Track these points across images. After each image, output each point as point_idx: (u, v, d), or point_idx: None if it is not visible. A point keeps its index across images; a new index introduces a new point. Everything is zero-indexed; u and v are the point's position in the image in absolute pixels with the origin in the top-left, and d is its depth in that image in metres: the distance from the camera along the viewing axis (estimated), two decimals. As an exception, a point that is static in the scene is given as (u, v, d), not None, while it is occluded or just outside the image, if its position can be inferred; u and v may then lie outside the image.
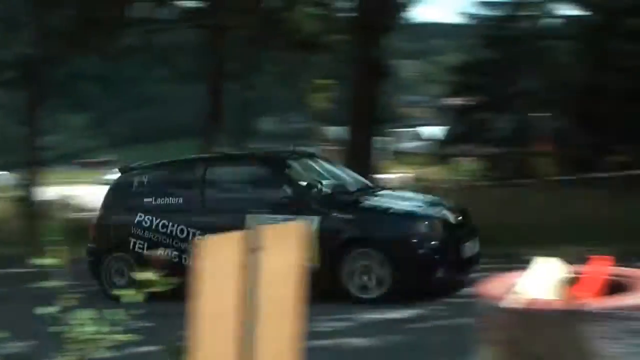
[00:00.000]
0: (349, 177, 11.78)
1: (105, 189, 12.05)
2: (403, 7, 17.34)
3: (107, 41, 19.57)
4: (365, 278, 9.83)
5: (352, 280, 9.86)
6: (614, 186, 15.73)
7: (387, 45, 16.42)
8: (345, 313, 9.33)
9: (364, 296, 9.80)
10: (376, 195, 10.84)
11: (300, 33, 18.58)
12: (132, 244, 11.02)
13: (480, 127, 24.23)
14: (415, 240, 9.83)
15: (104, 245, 11.33)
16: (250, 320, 3.56)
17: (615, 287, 3.78)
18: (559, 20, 24.82)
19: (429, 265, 9.80)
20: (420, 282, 9.83)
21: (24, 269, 8.28)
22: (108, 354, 4.39)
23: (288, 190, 10.51)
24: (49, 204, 20.00)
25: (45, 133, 22.86)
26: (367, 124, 15.83)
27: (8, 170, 29.79)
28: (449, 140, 26.16)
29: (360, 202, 10.49)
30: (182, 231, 10.79)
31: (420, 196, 11.70)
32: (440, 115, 33.33)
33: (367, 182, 12.05)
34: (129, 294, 4.30)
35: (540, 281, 3.75)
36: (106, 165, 46.32)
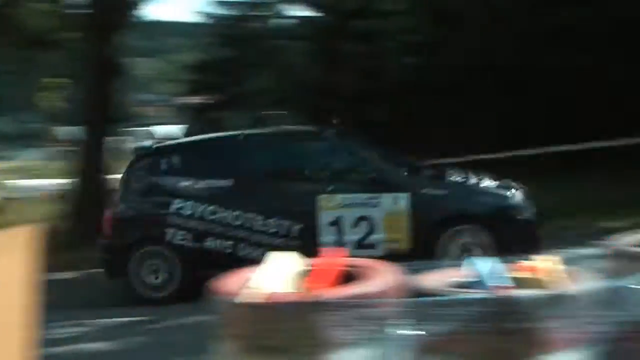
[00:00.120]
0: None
1: None
2: (136, 4, 17.07)
3: None
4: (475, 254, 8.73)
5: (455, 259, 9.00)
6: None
7: (120, 44, 16.11)
8: (104, 317, 9.08)
9: None
10: (441, 172, 10.09)
11: (28, 30, 17.82)
12: (169, 235, 9.57)
13: (217, 126, 24.39)
14: (516, 212, 9.25)
15: (128, 239, 9.70)
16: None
17: (348, 277, 3.93)
18: (293, 21, 25.46)
19: (532, 235, 9.07)
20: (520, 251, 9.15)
21: None
22: None
23: (370, 167, 9.48)
24: None
25: None
26: (100, 123, 15.46)
27: None
28: (187, 138, 26.11)
29: (445, 178, 9.75)
30: (238, 217, 9.49)
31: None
32: (177, 114, 33.20)
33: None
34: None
35: (275, 275, 3.82)
36: None
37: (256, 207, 9.42)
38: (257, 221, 9.40)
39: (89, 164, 14.99)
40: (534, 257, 4.15)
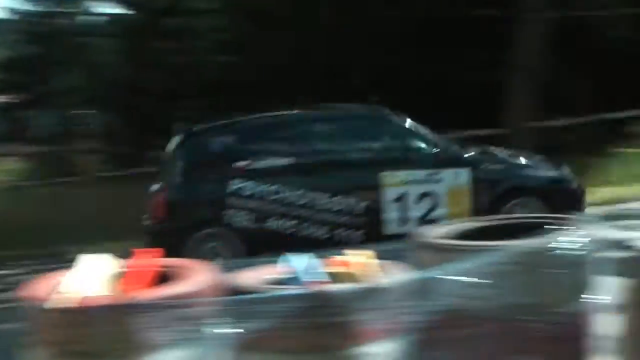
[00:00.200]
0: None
1: None
2: None
3: None
4: None
5: None
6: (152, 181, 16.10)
7: None
8: None
9: None
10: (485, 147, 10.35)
11: None
12: (229, 217, 9.24)
13: (24, 126, 23.53)
14: (567, 183, 9.72)
15: (183, 222, 9.25)
16: None
17: (164, 277, 3.87)
18: (103, 18, 24.90)
19: (580, 204, 9.51)
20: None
21: None
22: None
23: (431, 144, 9.64)
24: None
25: None
26: None
27: None
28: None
29: (497, 153, 10.07)
30: (301, 197, 9.23)
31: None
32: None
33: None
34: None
35: (87, 278, 3.72)
36: None
37: (320, 186, 9.31)
38: (321, 200, 9.30)
39: None
40: (346, 251, 4.23)
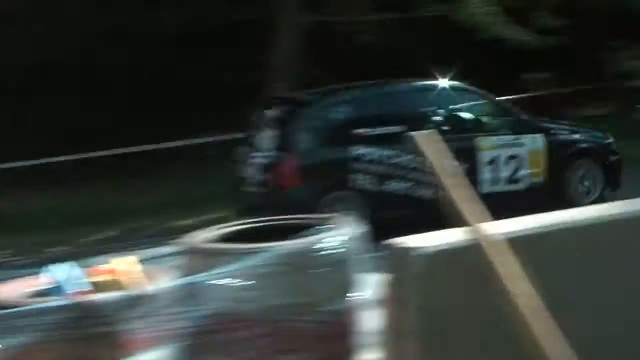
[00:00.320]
0: None
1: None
2: None
3: None
4: (586, 184, 11.04)
5: (576, 188, 10.94)
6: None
7: None
8: None
9: (585, 200, 10.53)
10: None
11: None
12: (353, 180, 9.92)
13: None
14: (613, 148, 11.46)
15: (314, 187, 9.75)
16: None
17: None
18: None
19: (620, 166, 11.34)
20: (616, 181, 11.14)
21: None
22: None
23: (514, 114, 11.15)
24: None
25: None
26: None
27: None
28: None
29: (561, 123, 11.96)
30: (413, 160, 9.17)
31: None
32: None
33: None
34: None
35: None
36: None
37: None
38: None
39: None
40: (111, 259, 4.14)
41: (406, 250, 3.46)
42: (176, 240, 4.64)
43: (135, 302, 3.69)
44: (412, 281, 3.42)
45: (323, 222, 4.58)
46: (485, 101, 11.16)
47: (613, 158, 11.32)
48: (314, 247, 4.18)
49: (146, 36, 16.42)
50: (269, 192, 10.09)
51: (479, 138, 10.58)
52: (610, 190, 11.01)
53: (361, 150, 10.03)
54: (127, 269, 4.02)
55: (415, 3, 16.76)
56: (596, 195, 10.99)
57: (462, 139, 10.19)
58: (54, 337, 3.39)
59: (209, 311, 3.77)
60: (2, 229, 11.42)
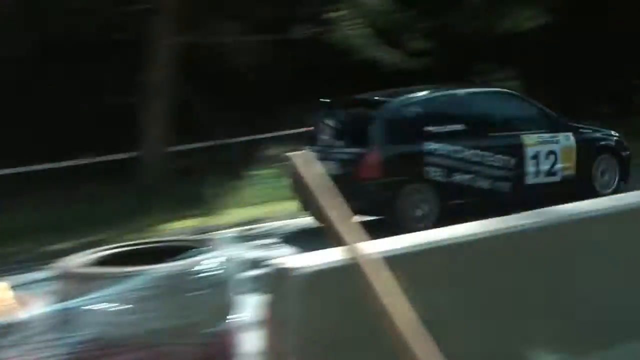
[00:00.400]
0: None
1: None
2: None
3: None
4: (606, 177, 12.47)
5: (599, 180, 12.37)
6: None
7: None
8: None
9: (605, 192, 11.87)
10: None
11: None
12: (427, 172, 11.10)
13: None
14: (624, 145, 12.89)
15: (397, 176, 11.02)
16: None
17: None
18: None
19: (630, 161, 12.82)
20: (628, 174, 12.58)
21: None
22: None
23: (547, 115, 12.40)
24: None
25: None
26: None
27: None
28: None
29: (583, 124, 12.90)
30: (475, 155, 11.34)
31: None
32: None
33: None
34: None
35: None
36: None
37: (485, 146, 11.52)
38: (488, 157, 11.50)
39: None
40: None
41: (284, 270, 3.47)
42: (50, 265, 4.52)
43: (6, 330, 3.57)
44: (290, 302, 3.43)
45: (201, 244, 4.56)
46: (528, 104, 12.56)
47: (625, 153, 12.85)
48: (192, 269, 4.15)
49: (20, 59, 15.96)
50: (349, 185, 10.04)
51: (525, 136, 11.98)
52: (623, 183, 12.53)
53: (432, 145, 11.22)
54: (-3, 296, 3.90)
55: (289, 25, 16.93)
56: (614, 187, 12.47)
57: (511, 137, 11.88)
58: None
59: (86, 337, 3.68)
60: None
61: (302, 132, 15.55)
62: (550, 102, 13.32)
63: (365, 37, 16.45)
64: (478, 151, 11.48)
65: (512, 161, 11.73)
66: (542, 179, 11.88)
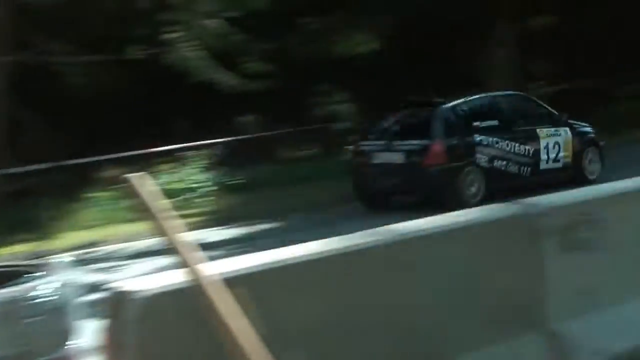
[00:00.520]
0: None
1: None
2: None
3: None
4: (592, 165, 14.77)
5: (588, 168, 14.63)
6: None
7: None
8: None
9: (591, 177, 14.31)
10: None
11: None
12: (476, 159, 13.38)
13: None
14: (599, 138, 15.21)
15: (456, 162, 13.26)
16: None
17: None
18: None
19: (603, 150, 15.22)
20: (604, 162, 14.93)
21: None
22: None
23: (551, 113, 14.78)
24: None
25: None
26: None
27: None
28: None
29: (575, 121, 15.13)
30: (508, 145, 13.70)
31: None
32: None
33: None
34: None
35: None
36: None
37: (514, 138, 13.89)
38: (516, 147, 13.87)
39: None
40: None
41: (122, 294, 3.42)
42: None
43: None
44: (129, 326, 3.38)
45: (35, 268, 4.42)
46: (537, 104, 15.16)
47: (602, 144, 15.14)
48: (27, 295, 4.03)
49: None
50: (415, 171, 13.35)
51: (538, 129, 14.31)
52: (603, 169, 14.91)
53: (479, 137, 13.52)
54: None
55: (125, 46, 16.69)
56: (598, 173, 14.62)
57: (529, 130, 14.19)
58: None
59: None
60: None
61: (143, 154, 15.35)
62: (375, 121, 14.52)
63: (202, 59, 16.42)
64: (509, 142, 13.93)
65: (532, 150, 14.22)
66: (551, 165, 14.31)
